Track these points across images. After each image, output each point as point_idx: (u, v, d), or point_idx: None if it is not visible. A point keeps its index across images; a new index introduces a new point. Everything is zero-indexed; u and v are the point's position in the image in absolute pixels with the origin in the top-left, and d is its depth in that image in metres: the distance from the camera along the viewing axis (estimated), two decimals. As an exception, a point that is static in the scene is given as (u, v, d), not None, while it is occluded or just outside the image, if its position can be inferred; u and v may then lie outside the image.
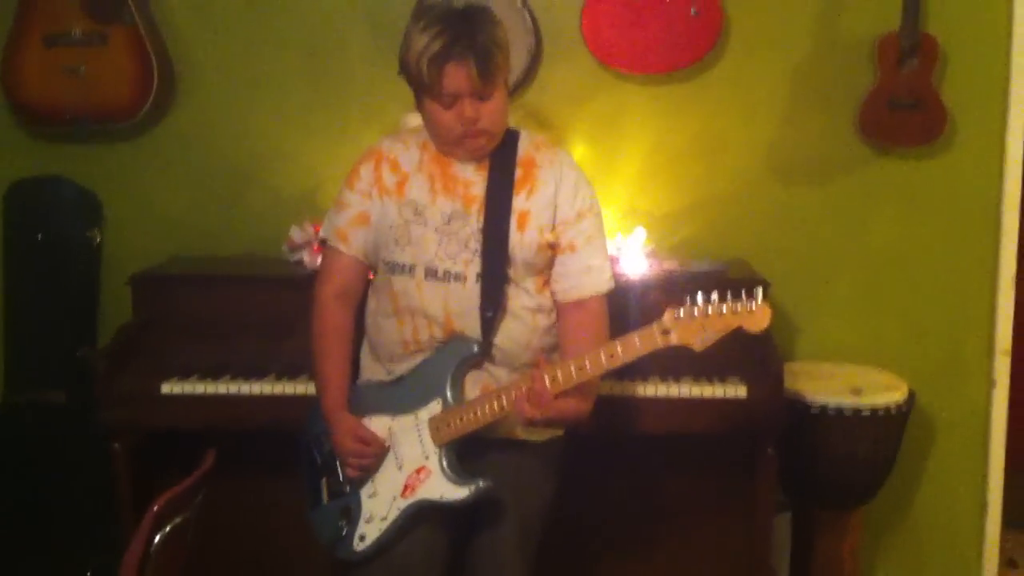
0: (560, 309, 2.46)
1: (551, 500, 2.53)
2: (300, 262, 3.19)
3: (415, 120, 2.97)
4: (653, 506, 3.16)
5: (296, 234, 3.25)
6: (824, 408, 3.01)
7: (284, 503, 2.78)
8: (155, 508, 2.16)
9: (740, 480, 2.97)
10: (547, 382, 2.24)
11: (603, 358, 2.22)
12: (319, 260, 3.05)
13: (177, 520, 2.24)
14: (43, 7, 3.30)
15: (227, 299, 3.08)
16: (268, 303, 3.04)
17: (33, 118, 3.43)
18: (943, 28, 3.27)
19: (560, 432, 2.55)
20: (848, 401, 3.01)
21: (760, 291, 2.15)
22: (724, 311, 2.15)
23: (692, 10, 3.26)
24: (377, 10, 3.40)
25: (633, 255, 3.15)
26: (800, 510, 3.26)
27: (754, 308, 2.15)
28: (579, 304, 2.44)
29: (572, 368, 2.24)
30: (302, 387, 2.87)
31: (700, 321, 2.16)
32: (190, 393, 2.90)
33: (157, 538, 2.17)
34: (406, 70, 2.37)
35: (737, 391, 2.83)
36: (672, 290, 2.92)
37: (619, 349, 2.22)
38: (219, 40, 3.47)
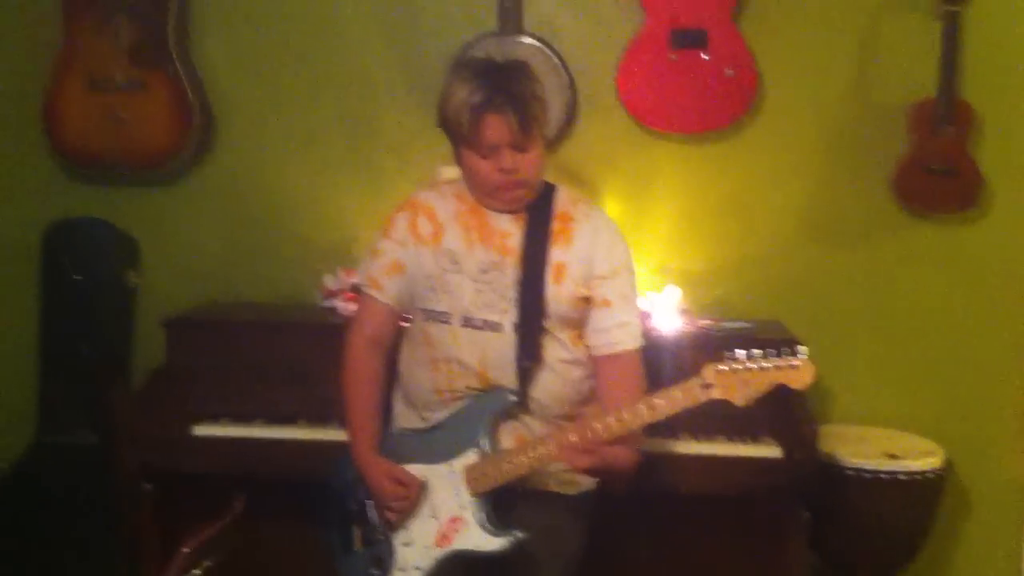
0: (596, 364, 2.46)
1: (579, 556, 2.51)
2: (333, 309, 3.21)
3: (449, 173, 3.00)
4: (681, 566, 3.12)
5: (330, 281, 3.28)
6: (859, 471, 2.98)
7: (310, 550, 2.75)
8: (185, 549, 2.16)
9: (772, 542, 2.91)
10: (599, 431, 2.23)
11: (643, 410, 2.21)
12: (352, 307, 3.07)
13: (206, 564, 2.23)
14: (87, 51, 3.35)
15: (260, 345, 3.10)
16: (300, 350, 3.05)
17: (73, 160, 3.47)
18: (978, 95, 3.28)
19: (592, 486, 2.53)
20: (884, 465, 2.98)
21: (804, 348, 2.14)
22: (767, 366, 2.14)
23: (727, 71, 3.28)
24: (413, 63, 3.44)
25: (667, 313, 3.14)
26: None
27: (798, 364, 2.14)
28: (614, 359, 2.43)
29: (612, 420, 2.23)
30: (332, 434, 2.86)
31: (743, 376, 2.15)
32: (221, 436, 2.92)
33: (186, 580, 2.17)
34: (445, 121, 2.39)
35: (771, 451, 2.81)
36: (706, 348, 2.91)
37: (659, 402, 2.21)
38: (256, 90, 3.52)
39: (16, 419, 3.50)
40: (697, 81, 3.28)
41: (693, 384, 2.18)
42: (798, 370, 2.14)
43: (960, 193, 3.29)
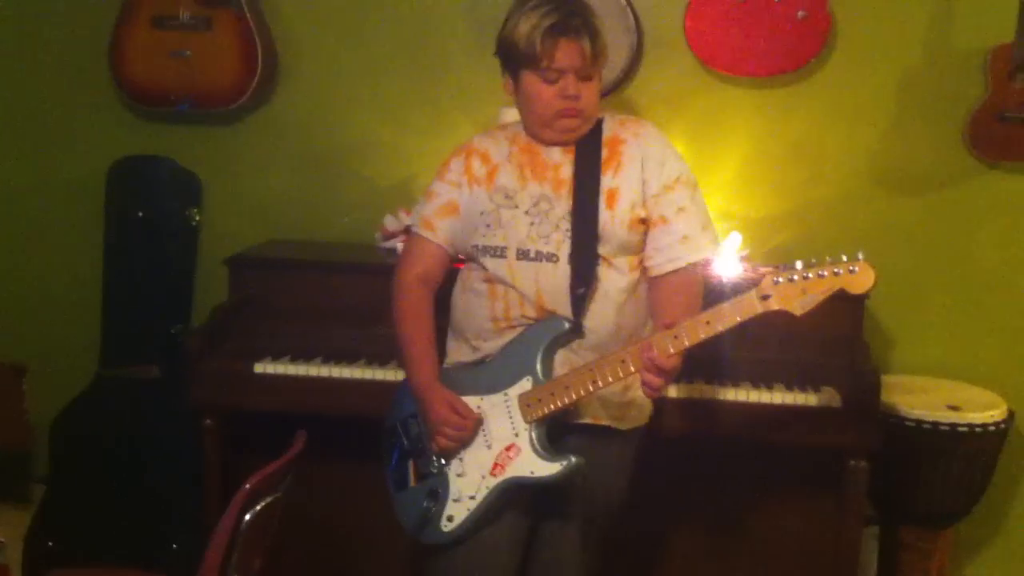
0: (655, 282, 2.43)
1: (624, 495, 2.53)
2: (393, 250, 3.22)
3: (511, 115, 2.98)
4: (737, 514, 3.11)
5: (390, 222, 3.28)
6: (919, 422, 2.94)
7: (367, 488, 2.78)
8: (247, 486, 2.19)
9: (828, 492, 2.90)
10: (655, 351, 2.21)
11: (700, 326, 2.19)
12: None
13: (268, 499, 2.26)
14: (152, -12, 3.36)
15: (321, 284, 3.13)
16: (361, 290, 3.06)
17: (138, 98, 3.50)
18: (1059, 40, 3.18)
19: (644, 421, 2.53)
20: (945, 416, 2.94)
21: (861, 254, 2.09)
22: (825, 273, 2.10)
23: (799, 13, 3.21)
24: (477, 4, 3.42)
25: (727, 259, 3.11)
26: (887, 526, 3.19)
27: (857, 268, 2.09)
28: (673, 275, 2.41)
29: (668, 340, 2.20)
30: (392, 374, 2.90)
31: (800, 285, 2.11)
32: (282, 374, 2.94)
33: (247, 516, 2.19)
34: (510, 47, 2.38)
35: (831, 400, 2.78)
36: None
37: (715, 316, 2.17)
38: (321, 30, 3.52)
39: (80, 352, 3.57)
40: (767, 23, 3.22)
41: (750, 296, 2.15)
42: (857, 275, 2.09)
43: (1036, 141, 3.21)
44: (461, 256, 2.56)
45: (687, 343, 2.20)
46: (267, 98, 3.53)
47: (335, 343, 3.02)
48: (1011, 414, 3.07)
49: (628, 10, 3.30)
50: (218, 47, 3.38)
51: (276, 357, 2.98)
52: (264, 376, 2.94)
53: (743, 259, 3.16)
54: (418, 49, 3.48)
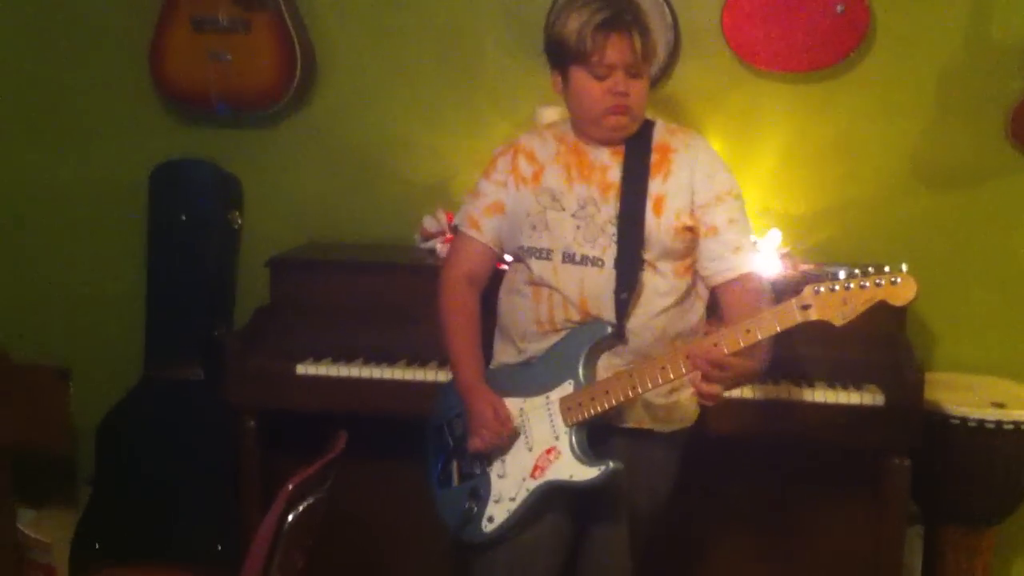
0: (718, 292, 2.45)
1: (668, 496, 2.52)
2: (432, 251, 3.23)
3: (549, 113, 2.99)
4: (779, 512, 3.09)
5: (429, 223, 3.29)
6: (964, 420, 2.91)
7: (408, 487, 2.80)
8: (290, 487, 2.20)
9: (873, 491, 2.87)
10: (683, 366, 2.22)
11: (740, 335, 2.18)
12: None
13: (309, 500, 2.27)
14: (192, -9, 3.39)
15: (360, 285, 3.14)
16: (400, 290, 3.08)
17: (177, 100, 3.52)
18: (1103, 32, 3.14)
19: (688, 423, 2.53)
20: (989, 414, 2.91)
21: (904, 265, 2.09)
22: (867, 284, 2.09)
23: (838, 8, 3.18)
24: (513, 3, 3.41)
25: (768, 256, 3.09)
26: (932, 525, 3.16)
27: (899, 280, 2.08)
28: (734, 283, 2.42)
29: (711, 349, 2.20)
30: (432, 374, 2.91)
31: (841, 295, 2.11)
32: (324, 375, 2.96)
33: (291, 515, 2.21)
34: (559, 43, 2.39)
35: (874, 398, 2.76)
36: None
37: (755, 325, 2.17)
38: (358, 30, 3.53)
39: (124, 355, 3.61)
40: (805, 18, 3.20)
41: (790, 305, 2.15)
42: (899, 286, 2.09)
43: (1079, 136, 3.17)
44: (507, 256, 2.57)
45: (726, 351, 2.20)
46: (305, 100, 3.54)
47: (375, 344, 3.04)
48: (1057, 411, 3.03)
49: (665, 6, 3.28)
50: (257, 49, 3.40)
51: (318, 358, 3.00)
52: (306, 377, 2.97)
53: (784, 256, 3.14)
54: (454, 49, 3.48)
